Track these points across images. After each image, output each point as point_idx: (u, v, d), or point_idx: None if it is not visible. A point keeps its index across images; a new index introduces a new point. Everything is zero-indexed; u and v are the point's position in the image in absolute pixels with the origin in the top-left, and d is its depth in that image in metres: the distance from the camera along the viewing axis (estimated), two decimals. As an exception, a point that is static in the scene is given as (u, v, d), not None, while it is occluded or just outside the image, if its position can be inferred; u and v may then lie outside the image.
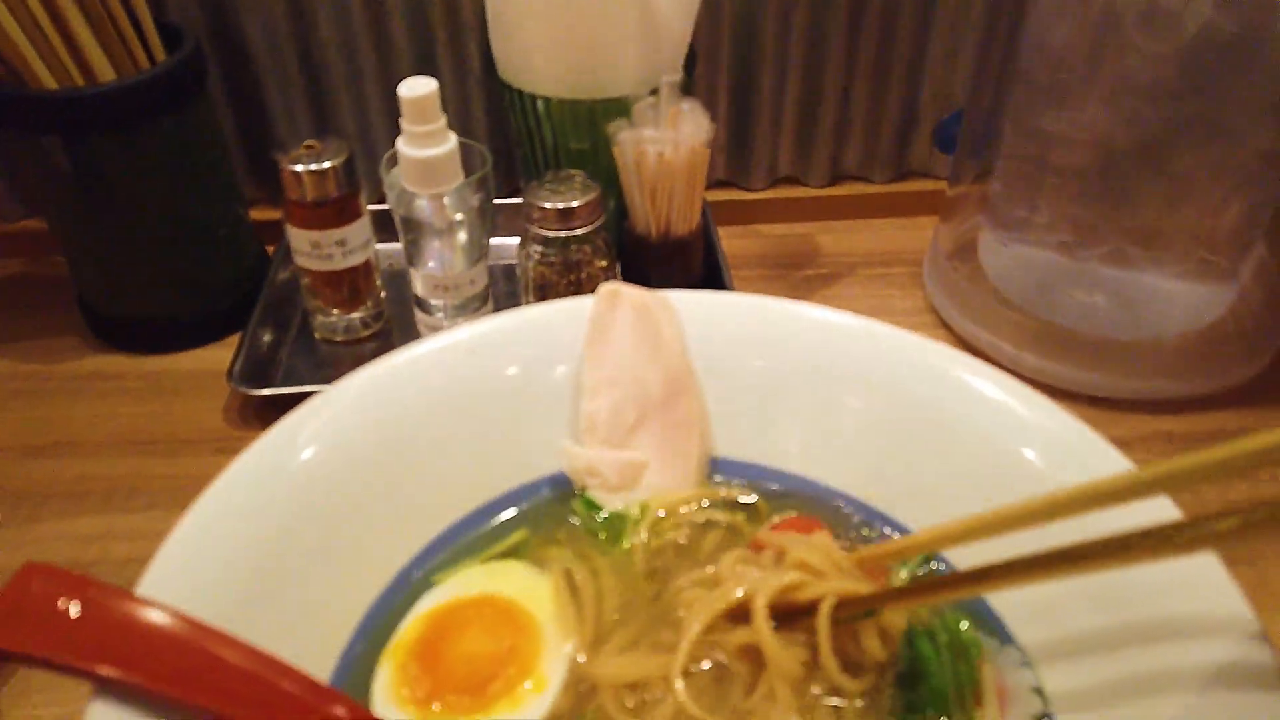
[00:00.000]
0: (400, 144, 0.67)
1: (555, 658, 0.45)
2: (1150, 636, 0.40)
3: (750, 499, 0.52)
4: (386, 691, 0.43)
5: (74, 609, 0.33)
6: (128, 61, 0.69)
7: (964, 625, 0.44)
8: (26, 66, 0.65)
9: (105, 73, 0.68)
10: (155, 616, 0.35)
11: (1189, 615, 0.39)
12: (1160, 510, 0.39)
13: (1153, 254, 0.71)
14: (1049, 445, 0.46)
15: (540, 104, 0.72)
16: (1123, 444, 0.69)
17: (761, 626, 0.41)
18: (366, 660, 0.44)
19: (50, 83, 0.66)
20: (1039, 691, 0.42)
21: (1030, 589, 0.43)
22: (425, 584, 0.48)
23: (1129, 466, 0.44)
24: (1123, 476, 0.34)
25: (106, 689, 0.33)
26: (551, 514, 0.51)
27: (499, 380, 0.51)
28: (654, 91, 0.69)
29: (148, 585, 0.37)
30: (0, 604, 0.33)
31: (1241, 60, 0.62)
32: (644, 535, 0.49)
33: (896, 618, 0.43)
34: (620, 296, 0.50)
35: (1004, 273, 0.79)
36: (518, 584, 0.48)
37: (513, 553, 0.50)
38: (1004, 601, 0.45)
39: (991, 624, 0.45)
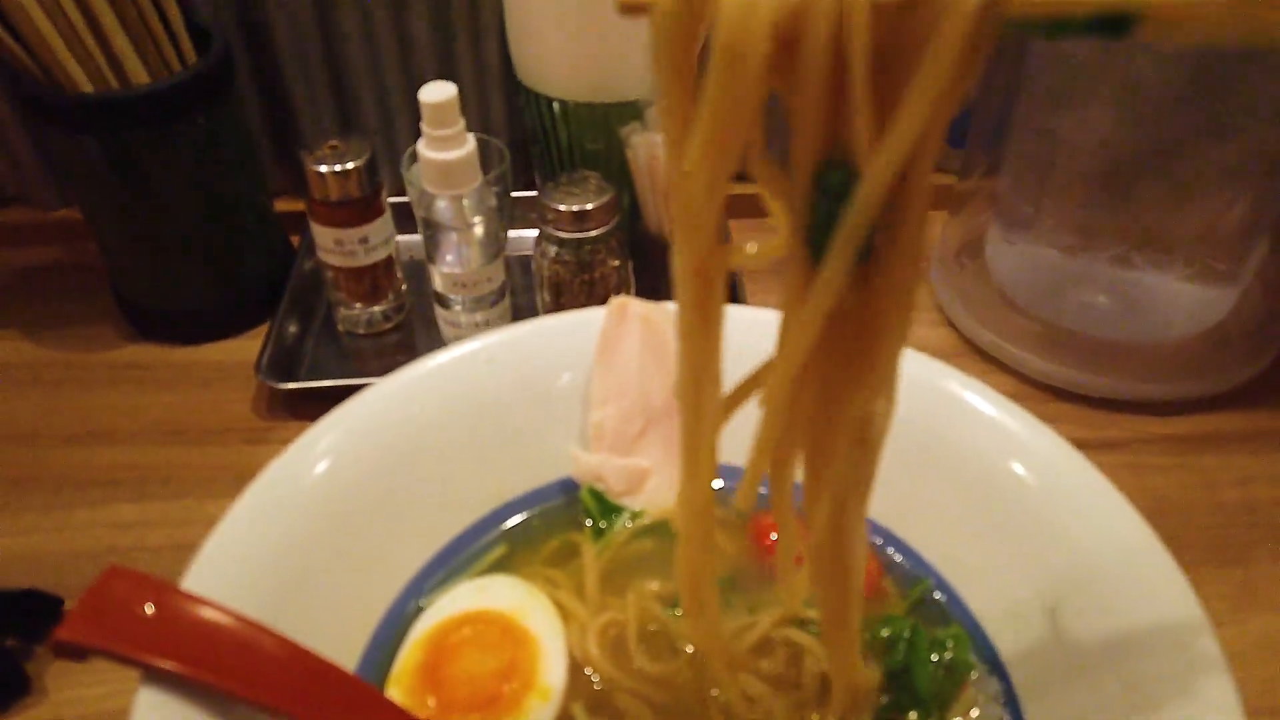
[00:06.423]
0: (420, 146, 0.69)
1: (555, 666, 0.48)
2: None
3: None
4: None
5: (149, 610, 0.36)
6: (159, 63, 0.71)
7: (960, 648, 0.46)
8: (62, 70, 0.67)
9: (138, 74, 0.70)
10: (223, 619, 0.38)
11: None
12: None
13: (1157, 258, 0.72)
14: (1038, 460, 0.48)
15: (556, 106, 0.74)
16: (1121, 445, 0.72)
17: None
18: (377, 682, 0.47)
19: (85, 85, 0.68)
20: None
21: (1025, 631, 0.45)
22: (419, 608, 0.50)
23: (1108, 486, 0.45)
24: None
25: (154, 677, 0.36)
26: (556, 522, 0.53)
27: (512, 390, 0.53)
28: (667, 95, 0.70)
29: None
30: (86, 603, 0.36)
31: (1249, 63, 0.63)
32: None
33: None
34: (628, 310, 0.52)
35: (1010, 272, 0.80)
36: (506, 597, 0.50)
37: (499, 567, 0.52)
38: (1000, 631, 0.47)
39: (985, 652, 0.47)
